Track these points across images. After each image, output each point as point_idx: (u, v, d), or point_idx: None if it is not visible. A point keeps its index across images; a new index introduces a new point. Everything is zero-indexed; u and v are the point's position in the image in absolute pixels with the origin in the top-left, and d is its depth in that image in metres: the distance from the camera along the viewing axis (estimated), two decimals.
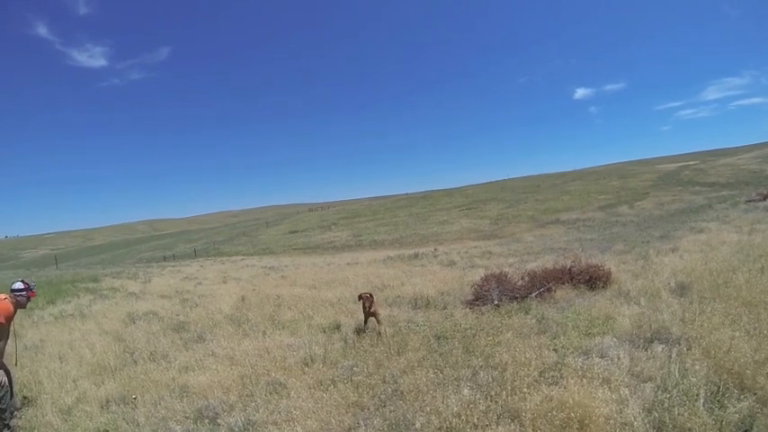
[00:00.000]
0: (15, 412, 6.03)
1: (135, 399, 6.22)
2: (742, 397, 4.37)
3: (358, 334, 8.29)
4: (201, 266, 31.52)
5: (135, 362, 8.01)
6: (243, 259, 40.45)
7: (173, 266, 33.63)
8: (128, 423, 5.58)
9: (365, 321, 8.58)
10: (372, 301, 8.55)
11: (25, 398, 6.60)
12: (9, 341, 5.98)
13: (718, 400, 4.33)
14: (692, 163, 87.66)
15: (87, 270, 34.76)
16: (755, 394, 4.40)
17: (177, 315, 11.78)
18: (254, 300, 13.01)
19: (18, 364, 7.01)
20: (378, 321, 8.46)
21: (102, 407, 6.17)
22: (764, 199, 28.15)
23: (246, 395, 5.95)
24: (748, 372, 4.68)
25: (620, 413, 4.27)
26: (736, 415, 4.11)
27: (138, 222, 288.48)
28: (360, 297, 8.74)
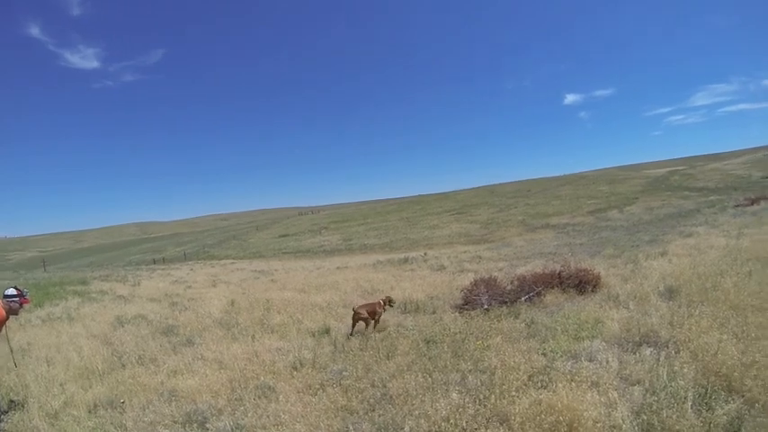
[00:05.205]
0: (2, 416, 5.98)
1: (123, 403, 6.17)
2: (730, 399, 4.40)
3: (348, 338, 8.32)
4: (191, 270, 31.39)
5: (123, 365, 7.94)
6: (233, 263, 40.34)
7: (162, 269, 33.49)
8: (116, 427, 5.54)
9: (368, 326, 8.71)
10: (375, 309, 8.81)
11: (12, 402, 6.53)
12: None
13: (706, 403, 4.35)
14: (680, 168, 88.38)
15: (76, 273, 34.51)
16: (743, 396, 4.43)
17: (166, 318, 11.70)
18: (243, 303, 12.96)
19: (16, 365, 6.96)
20: (375, 324, 8.68)
21: (89, 411, 6.11)
22: (752, 204, 28.54)
23: (235, 399, 5.91)
24: (736, 374, 4.71)
25: (609, 416, 4.28)
26: (725, 417, 4.13)
27: (128, 225, 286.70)
28: (356, 314, 8.79)
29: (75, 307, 14.42)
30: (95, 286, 20.78)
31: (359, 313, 8.70)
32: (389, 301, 9.34)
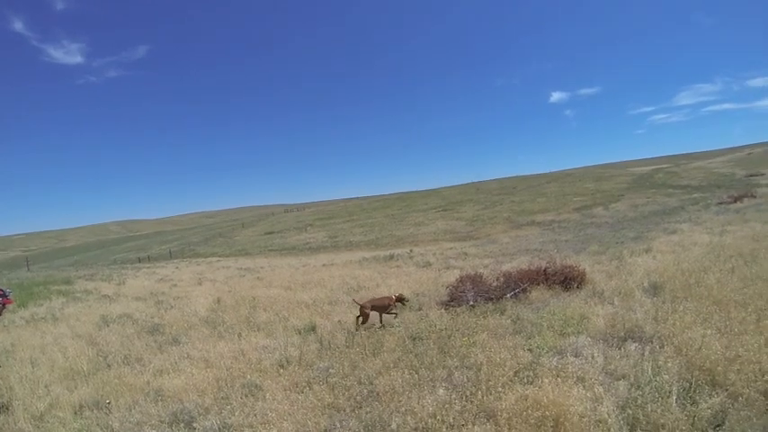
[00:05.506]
0: None
1: (109, 403, 6.12)
2: (714, 393, 4.46)
3: (355, 331, 8.41)
4: (177, 268, 31.19)
5: (108, 366, 7.89)
6: (219, 260, 40.13)
7: (147, 268, 33.23)
8: (102, 428, 5.50)
9: (365, 322, 8.75)
10: (385, 303, 8.95)
11: None
12: None
13: (690, 397, 4.41)
14: (665, 166, 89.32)
15: (60, 272, 34.13)
16: (727, 390, 4.49)
17: (152, 317, 11.64)
18: (229, 301, 12.92)
19: (0, 366, 6.89)
20: (381, 318, 8.87)
21: (75, 412, 6.06)
22: (735, 201, 28.92)
23: (222, 398, 5.89)
24: (719, 368, 4.77)
25: (595, 410, 4.32)
26: (709, 411, 4.18)
27: (112, 223, 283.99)
28: (361, 309, 8.86)
29: (60, 307, 14.27)
30: (80, 286, 20.57)
31: (364, 308, 8.75)
32: (402, 299, 9.32)
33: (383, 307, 8.92)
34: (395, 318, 8.82)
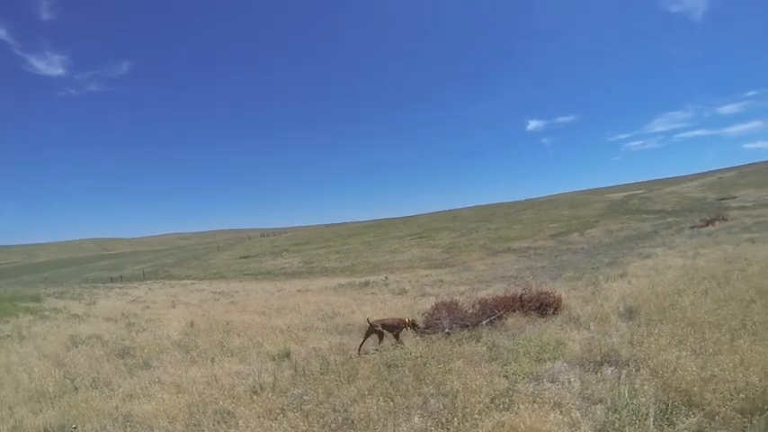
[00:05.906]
0: None
1: (75, 428, 5.98)
2: (690, 413, 4.48)
3: (358, 352, 8.41)
4: (150, 289, 30.78)
5: (76, 388, 7.71)
6: (193, 283, 39.67)
7: (120, 288, 32.79)
8: None
9: (381, 341, 8.91)
10: (397, 324, 9.13)
11: None
12: None
13: (667, 418, 4.42)
14: (639, 192, 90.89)
15: (29, 288, 33.55)
16: (703, 410, 4.51)
17: (123, 339, 11.43)
18: (203, 325, 12.74)
19: None
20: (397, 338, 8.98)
21: None
22: (707, 225, 29.50)
23: (193, 425, 5.76)
24: (695, 389, 4.80)
25: None
26: (686, 431, 4.19)
27: (86, 240, 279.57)
28: (371, 327, 8.98)
29: (27, 325, 14.04)
30: (49, 303, 20.26)
31: (374, 326, 8.86)
32: (415, 325, 9.37)
33: (394, 327, 9.03)
34: (398, 343, 8.85)
